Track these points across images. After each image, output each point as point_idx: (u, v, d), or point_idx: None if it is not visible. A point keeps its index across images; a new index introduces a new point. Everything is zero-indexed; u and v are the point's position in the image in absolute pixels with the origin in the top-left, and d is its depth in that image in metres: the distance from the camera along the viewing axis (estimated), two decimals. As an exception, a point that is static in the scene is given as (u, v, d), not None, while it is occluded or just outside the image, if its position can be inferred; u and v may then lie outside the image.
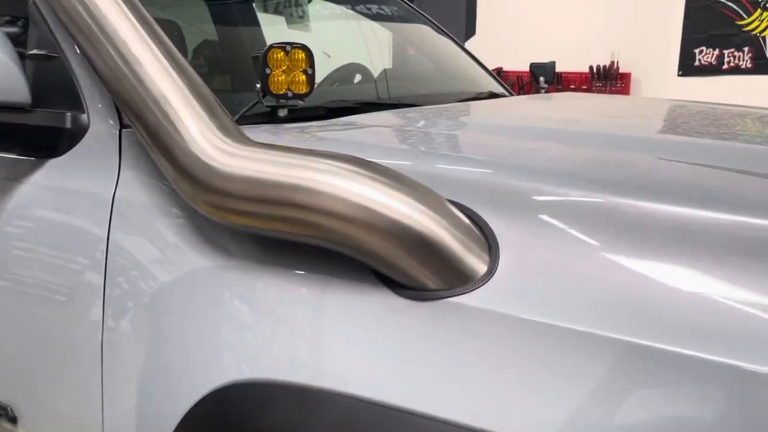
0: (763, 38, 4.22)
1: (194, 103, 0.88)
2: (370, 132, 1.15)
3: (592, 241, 0.74)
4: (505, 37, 5.16)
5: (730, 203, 0.79)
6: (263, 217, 0.79)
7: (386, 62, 2.32)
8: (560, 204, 0.80)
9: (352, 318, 0.80)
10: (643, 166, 0.97)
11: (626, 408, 0.65)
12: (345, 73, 2.15)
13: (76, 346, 1.04)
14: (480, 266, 0.75)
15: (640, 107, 1.74)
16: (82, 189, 1.07)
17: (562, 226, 0.76)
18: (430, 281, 0.75)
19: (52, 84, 1.12)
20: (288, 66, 1.07)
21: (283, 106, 1.11)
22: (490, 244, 0.77)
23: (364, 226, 0.74)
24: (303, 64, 1.08)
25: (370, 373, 0.77)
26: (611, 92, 4.89)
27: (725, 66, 4.37)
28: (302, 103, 1.11)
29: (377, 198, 0.74)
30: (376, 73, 2.03)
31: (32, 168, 1.12)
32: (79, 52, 1.08)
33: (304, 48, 1.08)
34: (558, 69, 5.43)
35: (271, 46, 1.05)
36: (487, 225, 0.78)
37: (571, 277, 0.72)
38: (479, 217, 0.79)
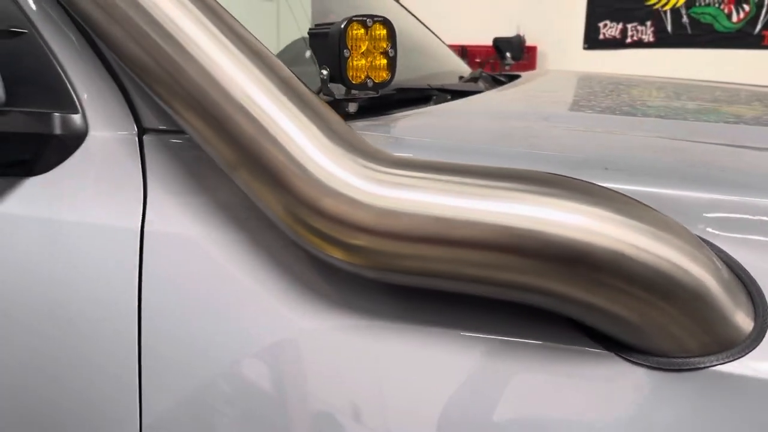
0: (665, 12, 4.34)
1: (294, 106, 0.62)
2: (511, 133, 0.89)
3: None
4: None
5: None
6: (453, 264, 0.56)
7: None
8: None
9: (574, 400, 0.58)
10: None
11: None
12: (296, 50, 1.83)
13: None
14: (746, 321, 0.57)
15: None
16: (87, 220, 0.76)
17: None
18: (692, 345, 0.56)
19: (26, 74, 0.79)
20: (367, 47, 0.81)
21: (353, 99, 0.85)
22: (752, 294, 0.58)
23: (620, 278, 0.53)
24: (384, 44, 0.82)
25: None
26: (518, 66, 4.87)
27: (629, 40, 4.46)
28: (375, 94, 0.86)
29: (630, 239, 0.53)
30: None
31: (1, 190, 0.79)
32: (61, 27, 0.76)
33: (386, 22, 0.82)
34: (462, 42, 5.32)
35: (350, 20, 0.79)
36: (742, 266, 0.60)
37: None
38: (729, 256, 0.60)
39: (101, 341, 0.73)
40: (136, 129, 0.77)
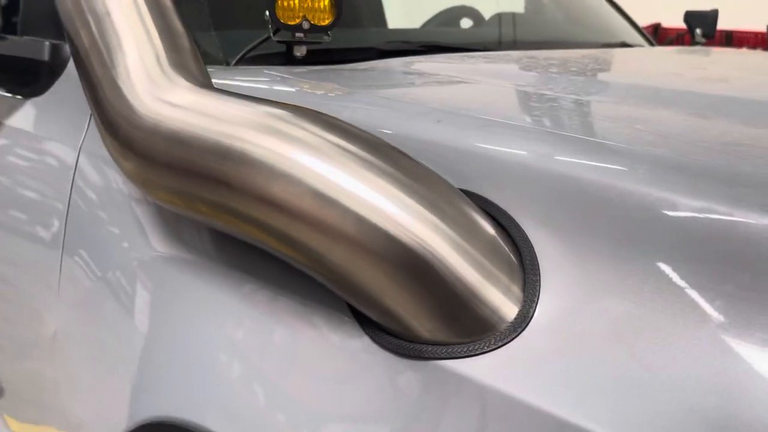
0: None
1: (149, 24, 0.63)
2: (407, 82, 0.83)
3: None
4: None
5: None
6: (184, 196, 0.53)
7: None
8: (656, 213, 0.46)
9: (306, 362, 0.52)
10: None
11: None
12: (447, 18, 1.77)
13: (32, 322, 0.86)
14: (506, 308, 0.45)
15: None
16: (52, 136, 0.86)
17: (653, 252, 0.43)
18: (422, 327, 0.46)
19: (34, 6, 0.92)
20: (304, -14, 0.78)
21: (299, 42, 0.82)
22: (526, 272, 0.46)
23: (318, 227, 0.45)
24: (326, -16, 0.79)
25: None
26: None
27: None
28: (327, 38, 0.82)
29: (346, 185, 0.45)
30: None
31: (11, 108, 0.93)
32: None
33: (328, -39, 0.78)
34: (726, 26, 4.66)
35: (282, -44, 0.76)
36: (525, 237, 0.47)
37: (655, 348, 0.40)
38: (512, 222, 0.48)
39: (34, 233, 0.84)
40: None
